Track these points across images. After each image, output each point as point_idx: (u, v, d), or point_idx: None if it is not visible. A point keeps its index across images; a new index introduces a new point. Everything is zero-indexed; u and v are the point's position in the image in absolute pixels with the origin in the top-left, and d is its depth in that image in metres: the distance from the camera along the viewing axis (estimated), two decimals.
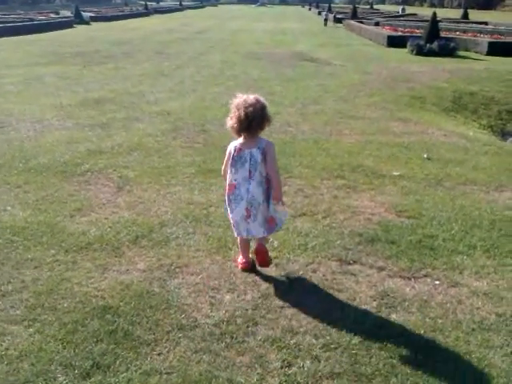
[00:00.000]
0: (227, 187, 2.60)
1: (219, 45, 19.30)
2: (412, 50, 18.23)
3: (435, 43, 18.09)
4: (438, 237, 2.94)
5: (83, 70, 9.59)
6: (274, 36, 26.22)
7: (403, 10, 53.03)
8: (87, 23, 37.52)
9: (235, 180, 2.58)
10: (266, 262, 2.60)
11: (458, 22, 33.24)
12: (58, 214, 3.21)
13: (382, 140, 5.02)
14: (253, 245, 2.70)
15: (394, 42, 20.86)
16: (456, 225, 3.11)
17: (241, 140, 2.54)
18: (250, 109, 2.46)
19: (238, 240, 2.69)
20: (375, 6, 67.23)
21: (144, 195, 3.55)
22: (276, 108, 6.37)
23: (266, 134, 2.68)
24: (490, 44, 18.73)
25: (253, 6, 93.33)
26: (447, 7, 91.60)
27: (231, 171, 2.59)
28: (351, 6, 44.78)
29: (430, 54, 17.31)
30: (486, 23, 35.47)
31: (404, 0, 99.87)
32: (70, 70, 9.59)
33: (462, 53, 18.53)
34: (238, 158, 2.56)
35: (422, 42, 18.47)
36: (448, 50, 17.92)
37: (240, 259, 2.70)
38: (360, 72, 9.45)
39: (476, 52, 19.18)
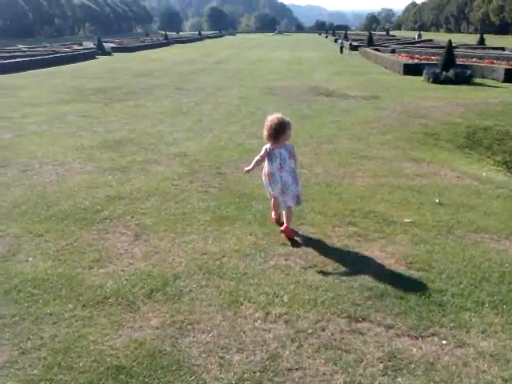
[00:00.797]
0: (266, 175, 3.88)
1: (237, 75, 19.81)
2: (428, 78, 18.31)
3: (451, 71, 18.22)
4: (446, 291, 2.98)
5: (105, 108, 9.93)
6: (291, 65, 26.61)
7: (419, 36, 53.46)
8: (109, 54, 38.67)
9: (271, 170, 3.84)
10: (289, 237, 3.82)
11: (474, 48, 33.34)
12: (77, 265, 3.35)
13: (394, 183, 5.08)
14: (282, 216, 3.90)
15: (410, 69, 21.10)
16: (465, 278, 3.14)
17: (271, 144, 3.78)
18: (274, 125, 3.70)
19: (272, 202, 4.13)
20: (391, 32, 67.89)
21: (160, 244, 3.66)
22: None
23: None
24: (507, 71, 18.75)
25: (270, 34, 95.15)
26: (464, 32, 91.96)
27: (268, 164, 3.85)
28: (367, 33, 45.29)
29: (447, 81, 17.48)
30: (502, 49, 35.48)
31: (420, 26, 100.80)
32: (92, 107, 9.94)
33: (478, 80, 18.66)
34: (272, 155, 3.79)
35: (437, 70, 18.61)
36: (464, 78, 17.97)
37: (272, 214, 4.17)
38: (374, 107, 9.57)
39: (492, 79, 19.25)
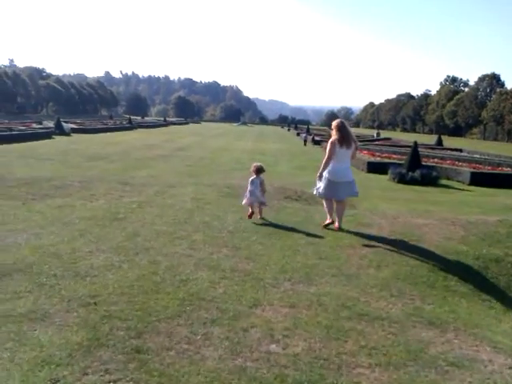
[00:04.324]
0: (249, 191, 7.59)
1: (198, 164, 18.77)
2: (394, 178, 18.13)
3: (417, 172, 17.89)
4: None
5: (21, 207, 7.83)
6: (254, 156, 25.77)
7: (378, 134, 55.37)
8: (68, 135, 37.44)
9: (251, 189, 7.63)
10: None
11: (433, 149, 34.06)
12: None
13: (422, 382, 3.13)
14: None
15: (374, 168, 21.45)
16: None
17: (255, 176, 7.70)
18: (257, 168, 7.77)
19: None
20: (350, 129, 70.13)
21: None
22: (253, 293, 4.54)
23: None
24: (473, 174, 18.90)
25: (235, 124, 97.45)
26: (419, 132, 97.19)
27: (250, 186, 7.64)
28: (328, 129, 46.04)
29: (412, 182, 17.33)
30: (460, 150, 36.43)
31: (379, 125, 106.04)
32: (6, 206, 7.83)
33: (444, 181, 18.59)
34: (254, 182, 7.68)
35: (403, 171, 18.38)
36: (430, 179, 17.88)
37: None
38: (355, 222, 7.88)
39: (458, 181, 19.34)
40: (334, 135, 7.07)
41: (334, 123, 7.19)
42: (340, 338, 3.71)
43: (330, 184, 7.07)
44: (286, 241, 6.51)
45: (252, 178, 7.66)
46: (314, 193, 7.51)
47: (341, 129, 7.05)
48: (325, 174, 7.10)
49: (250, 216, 7.48)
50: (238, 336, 3.64)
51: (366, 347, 3.57)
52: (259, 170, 7.70)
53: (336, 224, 7.24)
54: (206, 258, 5.54)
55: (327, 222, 7.26)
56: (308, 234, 6.91)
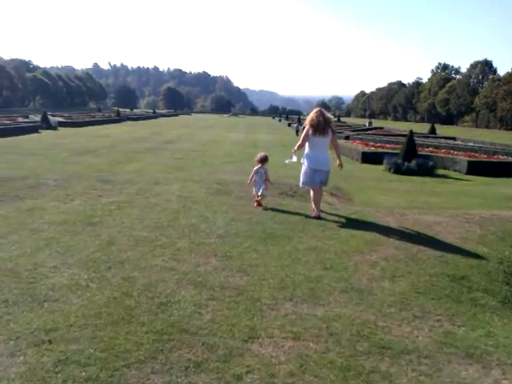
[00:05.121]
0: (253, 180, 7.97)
1: (187, 157, 18.37)
2: (389, 168, 17.66)
3: (413, 162, 17.47)
4: None
5: None
6: (246, 148, 25.05)
7: (370, 123, 54.75)
8: (55, 128, 36.56)
9: (255, 179, 7.93)
10: None
11: (426, 137, 33.69)
12: None
13: None
14: None
15: (369, 158, 20.80)
16: None
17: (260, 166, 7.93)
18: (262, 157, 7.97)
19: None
20: (342, 119, 69.60)
21: None
22: (248, 319, 3.72)
23: None
24: (470, 163, 18.55)
25: (225, 115, 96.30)
26: (411, 121, 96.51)
27: (255, 176, 7.96)
28: None
29: (408, 172, 16.93)
30: (454, 138, 35.89)
31: (370, 114, 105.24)
32: None
33: (440, 171, 18.31)
34: (258, 172, 7.90)
35: (399, 161, 18.01)
36: (427, 169, 17.46)
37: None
38: (358, 221, 7.09)
39: (455, 170, 19.13)
40: (308, 123, 7.23)
41: (312, 112, 7.39)
42: None
43: (309, 171, 7.27)
44: (284, 246, 5.69)
45: (256, 167, 7.85)
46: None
47: (314, 117, 7.19)
48: (304, 161, 7.36)
49: (259, 204, 7.74)
50: None
51: None
52: (263, 160, 7.89)
53: (317, 213, 7.27)
54: (191, 272, 4.70)
55: (315, 215, 7.24)
56: (308, 237, 6.10)
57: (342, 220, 7.15)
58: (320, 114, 7.18)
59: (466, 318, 4.16)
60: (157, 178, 10.37)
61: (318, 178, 7.28)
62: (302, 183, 7.53)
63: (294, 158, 7.47)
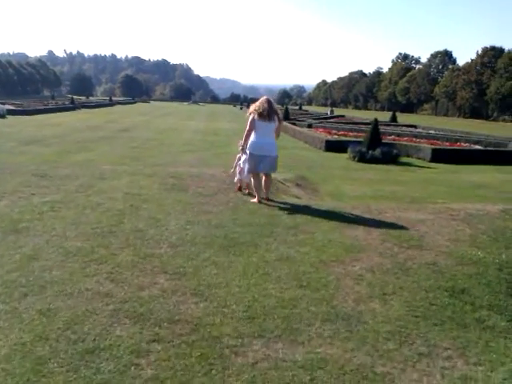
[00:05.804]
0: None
1: (143, 146, 17.49)
2: (354, 157, 17.48)
3: (378, 150, 17.35)
4: None
5: None
6: (206, 137, 24.13)
7: (332, 111, 54.67)
8: (3, 117, 34.44)
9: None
10: None
11: (388, 125, 33.74)
12: None
13: None
14: None
15: (332, 146, 20.60)
16: None
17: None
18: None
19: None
20: (304, 107, 69.26)
21: None
22: (203, 374, 2.74)
23: None
24: (434, 151, 18.47)
25: (185, 103, 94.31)
26: (371, 109, 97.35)
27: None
28: (282, 107, 44.53)
29: (373, 161, 16.78)
30: (415, 126, 36.09)
31: (332, 102, 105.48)
32: None
33: (404, 159, 18.11)
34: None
35: (363, 149, 17.83)
36: (391, 157, 17.39)
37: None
38: (334, 220, 6.21)
39: (418, 158, 18.97)
40: (253, 109, 7.11)
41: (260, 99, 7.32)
42: None
43: (253, 157, 7.07)
44: (250, 257, 4.71)
45: (239, 155, 7.74)
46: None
47: (259, 103, 7.13)
48: (249, 149, 7.16)
49: (239, 189, 7.76)
50: None
51: None
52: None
53: (261, 196, 7.17)
54: (132, 299, 3.65)
55: (255, 200, 7.09)
56: (278, 243, 5.15)
57: (316, 219, 6.22)
58: (266, 100, 7.13)
59: (478, 349, 3.32)
60: (103, 172, 9.14)
61: (267, 165, 7.11)
62: (247, 171, 7.30)
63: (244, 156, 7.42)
